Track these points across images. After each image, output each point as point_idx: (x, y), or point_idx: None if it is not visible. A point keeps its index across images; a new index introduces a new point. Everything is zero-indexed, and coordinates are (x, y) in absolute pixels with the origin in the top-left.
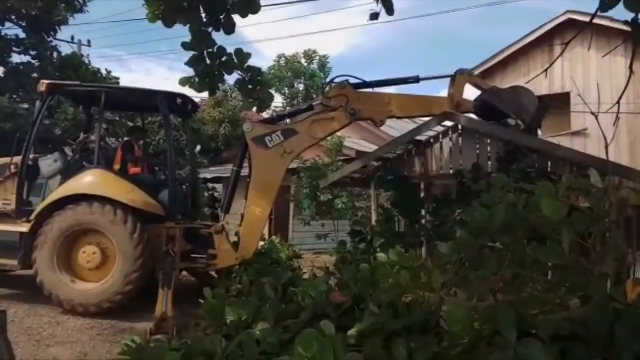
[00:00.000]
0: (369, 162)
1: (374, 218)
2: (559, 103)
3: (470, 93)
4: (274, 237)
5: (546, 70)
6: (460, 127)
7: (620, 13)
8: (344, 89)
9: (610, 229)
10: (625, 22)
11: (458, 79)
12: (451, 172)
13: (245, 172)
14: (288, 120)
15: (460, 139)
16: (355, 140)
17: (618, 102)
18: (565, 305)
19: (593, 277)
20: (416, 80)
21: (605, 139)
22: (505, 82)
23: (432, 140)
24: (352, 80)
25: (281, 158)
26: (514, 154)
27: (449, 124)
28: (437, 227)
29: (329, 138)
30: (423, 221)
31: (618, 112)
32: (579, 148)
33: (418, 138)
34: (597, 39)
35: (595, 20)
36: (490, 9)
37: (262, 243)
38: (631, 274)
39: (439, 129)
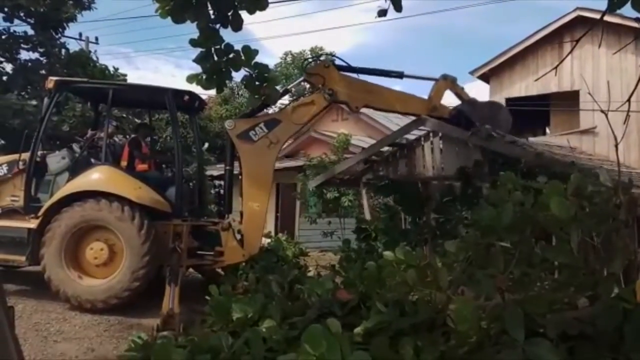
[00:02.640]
0: (352, 164)
1: (367, 216)
2: (568, 101)
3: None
4: (280, 235)
5: (555, 68)
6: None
7: (631, 10)
8: (326, 68)
9: (619, 228)
10: (636, 19)
11: (440, 83)
12: (433, 173)
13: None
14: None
15: (441, 142)
16: (361, 138)
17: (628, 100)
18: (574, 305)
19: (601, 276)
20: (399, 75)
21: (615, 137)
22: (513, 79)
23: (414, 143)
24: (339, 62)
25: (268, 149)
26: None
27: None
28: (441, 225)
29: (335, 135)
30: (424, 218)
31: (628, 110)
32: (588, 146)
33: (400, 141)
34: (607, 36)
35: (606, 18)
36: (499, 6)
37: (268, 240)
38: None
39: (422, 131)
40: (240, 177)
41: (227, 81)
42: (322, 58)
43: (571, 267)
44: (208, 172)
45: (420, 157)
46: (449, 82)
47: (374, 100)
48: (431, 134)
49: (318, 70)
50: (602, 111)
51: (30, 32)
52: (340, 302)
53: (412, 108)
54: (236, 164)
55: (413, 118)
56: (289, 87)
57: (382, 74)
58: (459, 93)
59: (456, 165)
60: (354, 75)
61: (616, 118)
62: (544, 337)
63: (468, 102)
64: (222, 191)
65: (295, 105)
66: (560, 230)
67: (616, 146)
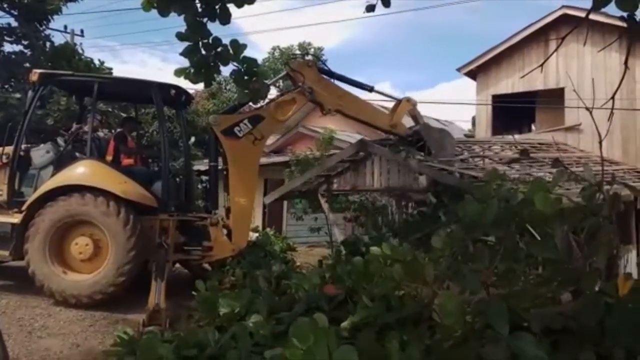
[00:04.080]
0: (309, 177)
1: (330, 219)
2: (554, 98)
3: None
4: (268, 230)
5: (541, 65)
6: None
7: (616, 9)
8: (308, 67)
9: (602, 224)
10: (621, 18)
11: (403, 104)
12: (381, 185)
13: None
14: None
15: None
16: (349, 134)
17: (612, 98)
18: (557, 299)
19: (585, 271)
20: (370, 89)
21: (599, 134)
22: (500, 76)
23: (366, 158)
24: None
25: (253, 145)
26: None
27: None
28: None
29: (321, 131)
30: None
31: (612, 108)
32: (573, 143)
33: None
34: (592, 35)
35: (591, 16)
36: (489, 3)
37: (256, 234)
38: (621, 267)
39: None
40: (225, 172)
41: (214, 75)
42: (307, 57)
43: (555, 262)
44: (195, 167)
45: (370, 172)
46: (411, 104)
47: (346, 107)
48: (376, 154)
49: (300, 68)
50: (587, 108)
51: (14, 24)
52: (328, 297)
53: (377, 121)
54: (220, 159)
55: None
56: (270, 82)
57: (355, 84)
58: (416, 116)
59: (398, 179)
60: (332, 80)
61: (600, 115)
62: (528, 331)
63: (423, 126)
64: (208, 186)
65: (278, 102)
66: (545, 225)
67: (600, 143)
